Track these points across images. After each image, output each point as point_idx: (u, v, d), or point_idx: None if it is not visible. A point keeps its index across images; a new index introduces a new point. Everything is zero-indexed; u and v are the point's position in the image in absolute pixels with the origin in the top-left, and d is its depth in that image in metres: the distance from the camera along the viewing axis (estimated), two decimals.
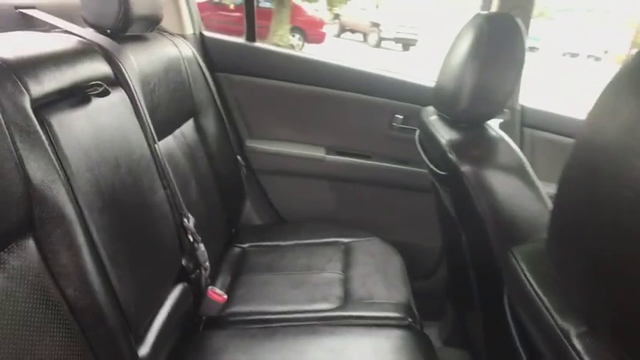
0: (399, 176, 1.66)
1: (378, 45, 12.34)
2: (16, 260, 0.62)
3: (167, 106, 1.17)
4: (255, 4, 1.60)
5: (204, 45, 1.59)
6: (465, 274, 1.17)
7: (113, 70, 0.95)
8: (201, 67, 1.42)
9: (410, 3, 13.20)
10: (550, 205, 0.94)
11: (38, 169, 0.66)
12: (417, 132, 1.38)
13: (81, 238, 0.70)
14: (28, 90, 0.69)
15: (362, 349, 1.05)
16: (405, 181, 1.66)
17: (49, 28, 1.02)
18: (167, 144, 1.17)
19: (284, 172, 1.68)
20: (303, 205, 1.72)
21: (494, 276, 1.03)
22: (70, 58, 0.84)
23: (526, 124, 1.58)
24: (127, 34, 1.06)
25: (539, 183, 0.96)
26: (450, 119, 1.13)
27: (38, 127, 0.68)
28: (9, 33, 0.84)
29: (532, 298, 0.53)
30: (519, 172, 0.97)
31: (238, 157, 1.55)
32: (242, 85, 1.62)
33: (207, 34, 1.61)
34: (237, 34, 1.65)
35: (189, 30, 1.54)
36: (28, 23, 1.05)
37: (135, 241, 0.87)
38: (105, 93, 0.84)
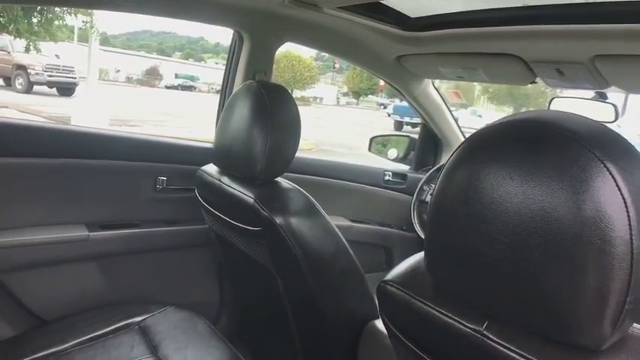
0: (170, 238, 1.63)
1: (28, 90, 10.81)
2: None
3: None
4: None
5: None
6: (282, 316, 1.29)
7: None
8: None
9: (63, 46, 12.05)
10: (340, 235, 1.19)
11: None
12: (197, 191, 1.42)
13: None
14: None
15: None
16: (175, 242, 1.65)
17: None
18: None
19: (37, 264, 1.38)
20: (70, 298, 1.44)
21: (312, 309, 1.20)
22: None
23: None
24: None
25: (327, 217, 1.19)
26: (243, 177, 1.24)
27: None
28: None
29: (429, 313, 0.68)
30: (314, 212, 1.18)
31: None
32: None
33: None
34: None
35: None
36: None
37: None
38: None
